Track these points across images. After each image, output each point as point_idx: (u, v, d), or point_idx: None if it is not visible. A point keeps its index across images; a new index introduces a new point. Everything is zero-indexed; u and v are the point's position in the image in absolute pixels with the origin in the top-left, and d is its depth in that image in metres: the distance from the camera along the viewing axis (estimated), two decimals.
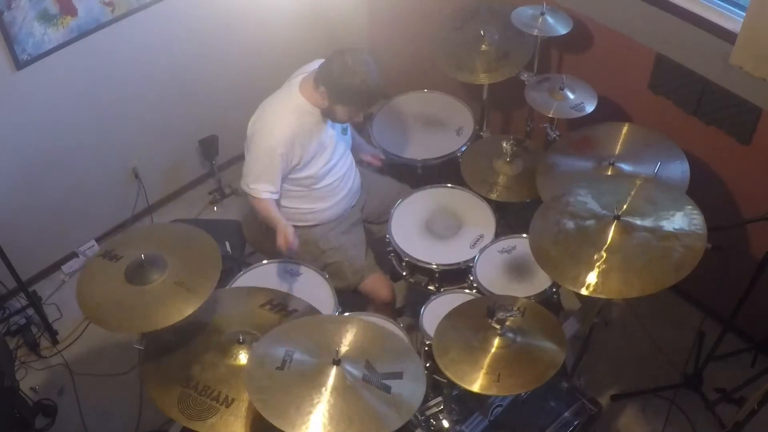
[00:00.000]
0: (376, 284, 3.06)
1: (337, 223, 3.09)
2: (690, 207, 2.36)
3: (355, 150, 3.16)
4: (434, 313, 2.71)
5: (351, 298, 3.03)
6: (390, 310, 3.12)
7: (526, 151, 3.21)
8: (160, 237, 2.53)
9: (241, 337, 2.35)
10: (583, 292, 2.24)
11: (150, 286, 2.31)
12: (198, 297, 2.28)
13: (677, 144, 2.86)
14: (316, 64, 2.85)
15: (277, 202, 2.95)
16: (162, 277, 2.32)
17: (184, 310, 2.26)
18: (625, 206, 2.35)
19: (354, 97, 2.75)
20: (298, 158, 2.84)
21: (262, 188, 2.84)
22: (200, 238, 2.51)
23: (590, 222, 2.36)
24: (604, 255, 2.26)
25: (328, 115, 2.84)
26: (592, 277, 2.24)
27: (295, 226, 3.02)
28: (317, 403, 2.01)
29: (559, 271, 2.33)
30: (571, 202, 2.46)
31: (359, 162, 3.23)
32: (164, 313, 2.25)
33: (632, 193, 2.42)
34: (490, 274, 2.89)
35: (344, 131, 3.02)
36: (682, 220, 2.32)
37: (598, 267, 2.25)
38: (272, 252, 3.12)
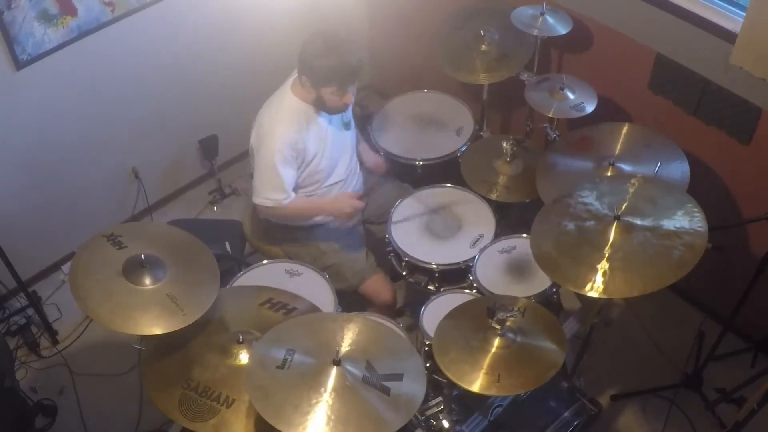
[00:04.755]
0: (377, 286, 3.06)
1: (338, 224, 3.08)
2: (690, 205, 2.36)
3: (358, 152, 3.16)
4: (434, 313, 2.71)
5: (351, 299, 3.03)
6: (391, 311, 3.12)
7: (526, 151, 3.20)
8: (170, 242, 2.49)
9: (240, 337, 2.35)
10: (586, 293, 2.24)
11: (143, 288, 2.29)
12: (186, 317, 2.26)
13: (677, 144, 2.86)
14: None
15: None
16: (157, 284, 2.30)
17: (169, 325, 2.23)
18: (624, 206, 2.36)
19: (333, 75, 2.71)
20: (302, 158, 2.84)
21: (279, 197, 2.83)
22: (206, 261, 2.47)
23: (590, 223, 2.36)
24: (606, 255, 2.26)
25: (320, 105, 2.82)
26: (593, 278, 2.24)
27: (295, 227, 3.03)
28: (316, 403, 2.02)
29: (561, 273, 2.33)
30: (571, 204, 2.46)
31: (361, 164, 3.22)
32: (148, 321, 2.23)
33: (631, 192, 2.42)
34: (490, 274, 2.88)
35: (346, 126, 3.01)
36: (682, 218, 2.32)
37: (600, 267, 2.25)
38: (271, 253, 3.12)
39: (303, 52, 2.73)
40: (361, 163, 3.22)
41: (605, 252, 2.27)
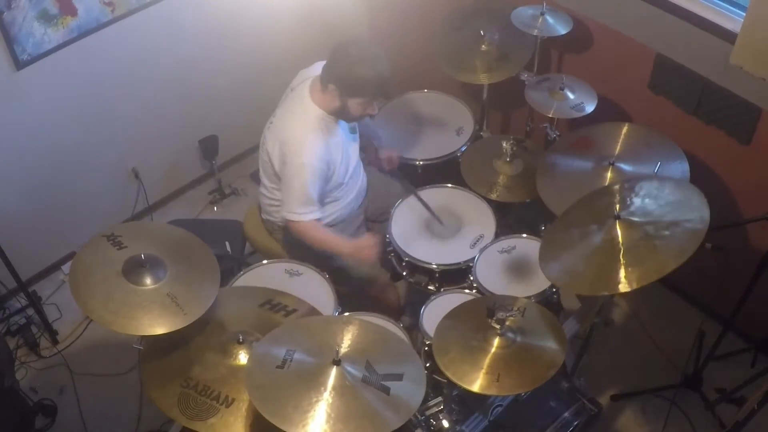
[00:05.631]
0: (383, 289, 3.05)
1: (344, 226, 3.06)
2: (690, 192, 2.35)
3: (372, 145, 3.14)
4: (434, 313, 2.71)
5: (352, 299, 3.03)
6: (395, 314, 3.10)
7: (526, 151, 3.21)
8: (170, 242, 2.48)
9: (240, 337, 2.35)
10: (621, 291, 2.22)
11: (143, 288, 2.28)
12: (186, 317, 2.25)
13: (677, 144, 2.86)
14: (317, 66, 2.80)
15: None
16: (157, 284, 2.30)
17: (169, 325, 2.23)
18: (618, 206, 2.34)
19: (366, 87, 2.69)
20: (333, 169, 2.81)
21: (307, 211, 2.78)
22: (206, 260, 2.47)
23: (593, 226, 2.35)
24: (610, 253, 2.25)
25: (341, 114, 2.78)
26: (603, 277, 2.23)
27: None
28: (316, 402, 2.01)
29: (589, 285, 2.31)
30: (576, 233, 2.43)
31: (370, 162, 3.20)
32: (149, 321, 2.22)
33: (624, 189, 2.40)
34: (490, 274, 2.88)
35: (353, 130, 2.98)
36: (682, 207, 2.31)
37: (602, 266, 2.24)
38: (271, 253, 3.12)
39: (332, 63, 2.69)
40: (370, 161, 3.20)
41: (610, 251, 2.25)
